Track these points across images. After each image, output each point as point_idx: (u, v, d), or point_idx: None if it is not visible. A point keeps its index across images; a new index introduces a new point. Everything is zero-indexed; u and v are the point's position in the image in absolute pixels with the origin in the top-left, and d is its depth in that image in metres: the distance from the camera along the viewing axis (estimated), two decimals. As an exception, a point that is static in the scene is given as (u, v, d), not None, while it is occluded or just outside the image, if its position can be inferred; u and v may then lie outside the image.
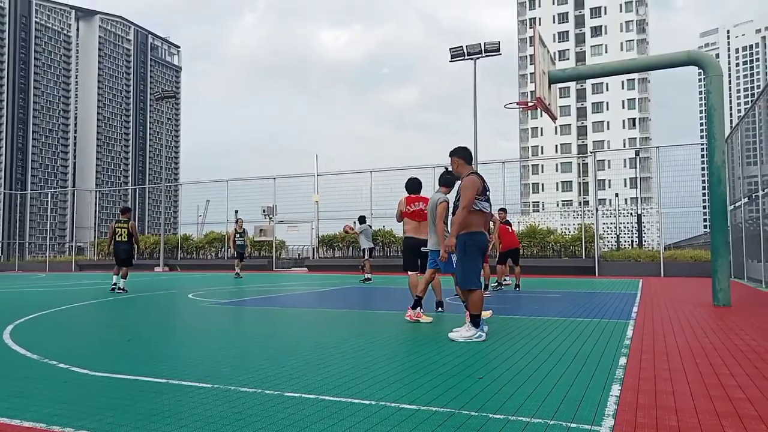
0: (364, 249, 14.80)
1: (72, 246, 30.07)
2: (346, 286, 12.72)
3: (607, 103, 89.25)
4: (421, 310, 6.36)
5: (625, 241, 23.42)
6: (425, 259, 7.16)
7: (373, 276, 15.15)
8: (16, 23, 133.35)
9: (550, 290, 11.01)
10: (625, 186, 50.54)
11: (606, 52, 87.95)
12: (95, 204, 30.29)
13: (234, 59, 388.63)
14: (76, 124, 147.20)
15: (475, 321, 4.92)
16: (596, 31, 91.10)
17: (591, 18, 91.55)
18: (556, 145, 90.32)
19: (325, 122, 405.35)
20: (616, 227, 23.76)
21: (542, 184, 76.77)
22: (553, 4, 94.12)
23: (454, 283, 5.95)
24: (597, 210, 18.94)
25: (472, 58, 20.53)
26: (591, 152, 20.21)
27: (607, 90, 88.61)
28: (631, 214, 24.62)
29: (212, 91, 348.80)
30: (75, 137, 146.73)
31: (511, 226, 11.61)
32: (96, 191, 33.25)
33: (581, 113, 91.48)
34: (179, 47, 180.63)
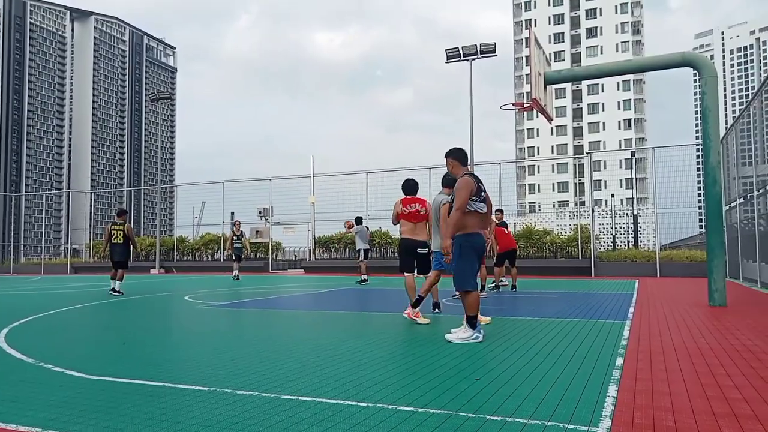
0: (359, 250, 14.82)
1: (67, 248, 29.96)
2: (342, 288, 12.71)
3: (603, 104, 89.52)
4: (419, 311, 6.36)
5: (621, 242, 23.48)
6: (422, 260, 7.17)
7: (370, 277, 15.14)
8: (10, 24, 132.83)
9: (547, 291, 11.03)
10: (621, 186, 50.67)
11: (601, 53, 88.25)
12: (90, 206, 30.16)
13: (229, 61, 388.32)
14: (71, 126, 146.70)
15: (472, 322, 4.92)
16: (592, 32, 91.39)
17: (586, 19, 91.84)
18: (552, 146, 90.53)
19: (320, 124, 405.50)
20: (612, 228, 23.82)
21: (538, 185, 76.82)
22: (549, 5, 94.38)
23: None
24: (593, 210, 19.00)
25: (467, 60, 20.56)
26: (587, 153, 20.27)
27: (603, 91, 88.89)
28: (627, 214, 24.68)
29: (207, 92, 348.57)
30: (70, 138, 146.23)
31: (507, 227, 11.62)
32: (91, 193, 33.11)
33: (577, 114, 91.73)
34: (174, 48, 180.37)
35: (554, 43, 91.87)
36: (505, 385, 3.31)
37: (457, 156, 5.40)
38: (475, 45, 20.39)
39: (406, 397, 3.04)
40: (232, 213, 24.79)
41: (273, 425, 2.58)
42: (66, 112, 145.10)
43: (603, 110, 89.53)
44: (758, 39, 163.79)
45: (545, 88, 8.94)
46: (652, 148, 18.82)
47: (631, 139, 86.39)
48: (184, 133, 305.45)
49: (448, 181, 6.52)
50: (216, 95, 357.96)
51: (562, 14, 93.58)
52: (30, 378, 3.67)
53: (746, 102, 12.25)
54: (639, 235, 22.58)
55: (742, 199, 13.15)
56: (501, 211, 11.82)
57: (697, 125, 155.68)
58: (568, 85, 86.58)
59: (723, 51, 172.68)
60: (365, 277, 14.22)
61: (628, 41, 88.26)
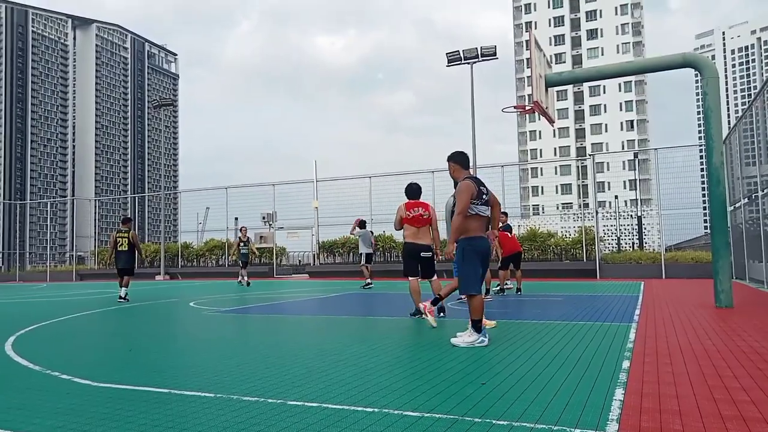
0: (361, 254, 14.84)
1: (72, 255, 30.04)
2: (347, 293, 12.71)
3: (605, 105, 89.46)
4: (433, 309, 6.38)
5: (626, 243, 23.42)
6: (425, 264, 7.17)
7: (375, 281, 15.14)
8: (12, 33, 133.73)
9: (552, 294, 11.00)
10: (625, 188, 50.62)
11: (602, 54, 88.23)
12: (95, 213, 30.29)
13: (230, 66, 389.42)
14: (74, 133, 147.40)
15: (477, 326, 4.92)
16: (592, 34, 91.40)
17: (587, 21, 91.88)
18: (555, 148, 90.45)
19: (322, 127, 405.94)
20: (616, 229, 23.77)
21: (542, 187, 76.80)
22: (549, 7, 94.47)
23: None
24: (597, 212, 18.95)
25: (468, 63, 20.59)
26: (590, 155, 20.23)
27: (605, 92, 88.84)
28: (631, 216, 24.63)
29: (208, 97, 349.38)
30: (73, 146, 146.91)
31: (511, 230, 11.60)
32: (95, 200, 33.24)
33: (579, 116, 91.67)
34: (176, 55, 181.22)
35: (555, 45, 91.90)
36: (511, 389, 3.31)
37: (459, 160, 5.41)
38: (476, 48, 20.41)
39: (411, 402, 3.04)
40: (236, 218, 24.82)
41: (280, 431, 2.58)
42: (69, 120, 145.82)
43: (605, 112, 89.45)
44: (759, 38, 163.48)
45: (546, 90, 8.94)
46: (655, 149, 18.79)
47: (633, 140, 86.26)
48: (187, 139, 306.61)
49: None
50: (217, 100, 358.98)
51: (562, 16, 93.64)
52: (37, 385, 3.68)
53: (749, 101, 12.23)
54: (644, 237, 22.52)
55: (746, 199, 13.11)
56: (505, 214, 11.79)
57: (699, 126, 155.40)
58: (569, 87, 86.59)
59: (724, 51, 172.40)
60: (369, 281, 14.21)
61: (628, 42, 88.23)
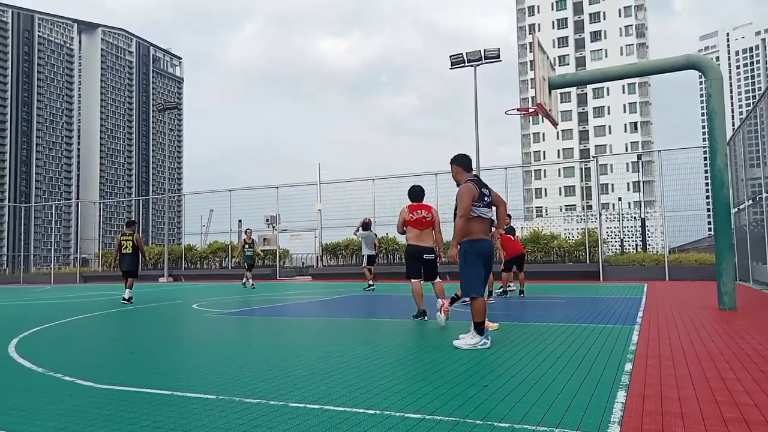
0: (363, 255, 14.86)
1: (76, 258, 30.15)
2: (350, 295, 12.71)
3: (609, 107, 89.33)
4: (449, 308, 6.43)
5: (629, 245, 23.36)
6: (428, 266, 7.17)
7: (378, 284, 15.14)
8: (19, 37, 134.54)
9: (555, 296, 10.98)
10: (628, 190, 50.43)
11: (606, 56, 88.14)
12: (99, 215, 30.37)
13: (233, 69, 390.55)
14: (79, 137, 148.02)
15: (479, 328, 4.91)
16: (596, 36, 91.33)
17: (590, 23, 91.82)
18: (558, 150, 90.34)
19: (325, 130, 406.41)
20: (619, 231, 23.70)
21: (545, 189, 76.77)
22: (552, 9, 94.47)
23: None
24: (600, 214, 18.91)
25: (472, 65, 20.62)
26: (593, 157, 20.21)
27: (608, 94, 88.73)
28: (635, 217, 24.56)
29: (212, 100, 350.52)
30: (78, 149, 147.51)
31: (515, 232, 11.58)
32: (100, 203, 33.35)
33: (583, 118, 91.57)
34: (181, 58, 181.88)
35: (558, 47, 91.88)
36: (513, 391, 3.30)
37: (461, 162, 5.42)
38: (479, 51, 20.44)
39: (413, 404, 3.04)
40: (240, 221, 24.88)
41: (281, 433, 2.59)
42: (74, 123, 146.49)
43: (609, 113, 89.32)
44: (764, 40, 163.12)
45: (550, 92, 8.94)
46: (659, 151, 18.74)
47: (637, 142, 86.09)
48: (191, 142, 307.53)
49: None
50: (221, 103, 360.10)
51: (566, 18, 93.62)
52: (40, 387, 3.70)
53: (753, 103, 12.19)
54: (647, 239, 22.46)
55: (750, 201, 13.06)
56: (509, 216, 11.77)
57: (703, 127, 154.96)
58: (573, 89, 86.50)
59: (728, 52, 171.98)
60: (371, 282, 14.20)
61: (632, 44, 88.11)
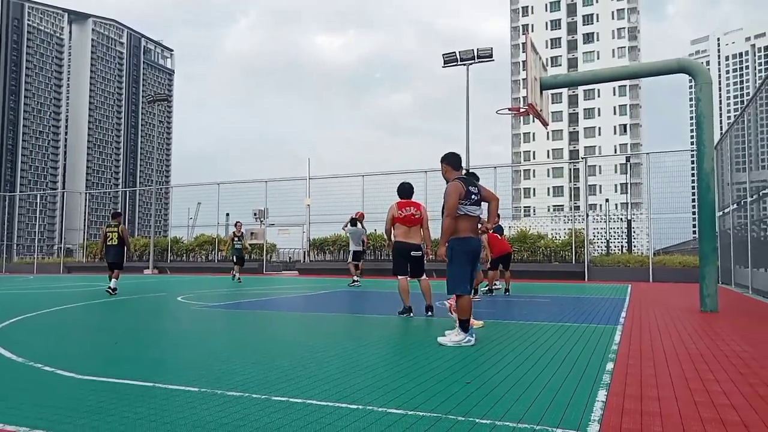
0: (350, 251, 14.88)
1: (61, 248, 29.86)
2: (336, 290, 12.70)
3: (599, 109, 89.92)
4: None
5: (615, 247, 23.57)
6: (415, 263, 7.19)
7: (364, 280, 15.14)
8: (8, 26, 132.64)
9: (540, 295, 11.05)
10: (616, 191, 50.85)
11: (598, 58, 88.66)
12: (85, 206, 30.08)
13: (227, 63, 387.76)
14: (67, 127, 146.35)
15: (464, 326, 4.93)
16: (588, 37, 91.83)
17: (583, 25, 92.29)
18: (548, 150, 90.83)
19: (318, 126, 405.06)
20: (606, 232, 23.92)
21: (534, 189, 77.17)
22: (546, 11, 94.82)
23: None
24: (587, 215, 19.05)
25: (464, 64, 20.65)
26: (582, 158, 20.36)
27: (599, 96, 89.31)
28: (621, 219, 24.80)
29: (205, 94, 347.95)
30: (66, 139, 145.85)
31: (502, 231, 11.64)
32: (86, 193, 33.02)
33: (573, 119, 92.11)
34: (172, 51, 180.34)
35: (551, 48, 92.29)
36: (496, 388, 3.32)
37: (450, 161, 5.43)
38: (473, 50, 20.48)
39: (396, 400, 3.05)
40: (227, 214, 24.77)
41: (263, 426, 2.58)
42: (62, 113, 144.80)
43: (599, 115, 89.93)
44: (753, 45, 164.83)
45: (541, 93, 8.98)
46: (647, 153, 18.92)
47: (626, 144, 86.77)
48: (181, 135, 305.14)
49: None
50: (213, 97, 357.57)
51: (559, 20, 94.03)
52: (19, 377, 3.66)
53: (741, 108, 12.33)
54: (633, 240, 22.67)
55: (735, 205, 13.22)
56: (498, 215, 11.81)
57: (692, 131, 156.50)
58: (564, 90, 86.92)
59: (719, 57, 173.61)
60: (356, 278, 14.18)
61: (624, 47, 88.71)
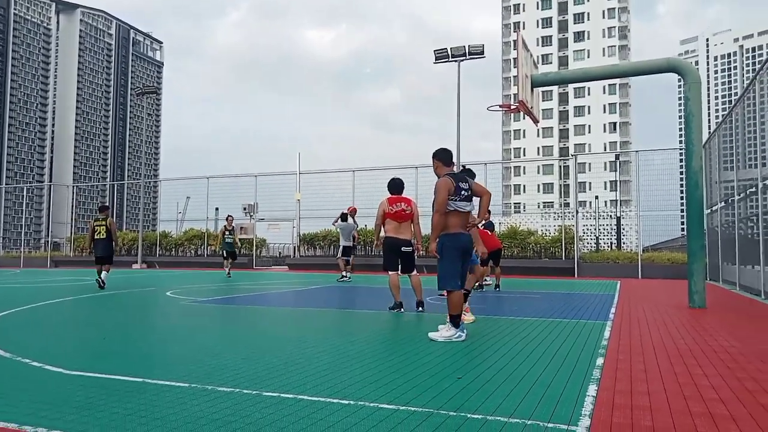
0: (340, 246, 14.87)
1: (48, 241, 29.55)
2: (326, 286, 12.69)
3: (589, 107, 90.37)
4: (468, 306, 6.42)
5: (605, 243, 23.71)
6: (406, 258, 7.19)
7: (355, 275, 15.13)
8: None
9: (530, 291, 11.11)
10: (605, 189, 51.17)
11: (588, 57, 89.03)
12: (72, 199, 29.75)
13: (216, 56, 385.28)
14: (54, 118, 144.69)
15: (455, 321, 4.94)
16: (579, 36, 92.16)
17: (574, 23, 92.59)
18: (538, 148, 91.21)
19: (308, 121, 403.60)
20: (595, 229, 24.06)
21: (524, 186, 77.43)
22: (537, 9, 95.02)
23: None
24: (577, 212, 19.16)
25: (455, 60, 20.63)
26: (572, 155, 20.46)
27: (589, 94, 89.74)
28: (611, 216, 24.95)
29: (194, 88, 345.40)
30: (53, 131, 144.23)
31: (493, 227, 11.66)
32: (73, 186, 32.66)
33: (563, 116, 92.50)
34: (162, 43, 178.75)
35: (542, 46, 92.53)
36: (487, 383, 3.33)
37: (441, 157, 5.43)
38: (464, 46, 20.46)
39: (387, 395, 3.04)
40: (217, 209, 24.63)
41: (254, 422, 2.57)
42: (49, 105, 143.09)
43: (589, 113, 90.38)
44: (741, 46, 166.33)
45: (532, 90, 9.00)
46: (636, 151, 19.06)
47: (616, 142, 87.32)
48: (170, 128, 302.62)
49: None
50: (203, 91, 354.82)
51: (551, 18, 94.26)
52: (6, 373, 3.61)
53: (729, 107, 12.44)
54: (622, 237, 22.84)
55: (723, 203, 13.35)
56: (489, 211, 11.84)
57: (680, 129, 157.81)
58: (554, 88, 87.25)
59: (707, 57, 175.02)
60: (344, 274, 14.16)
61: (614, 46, 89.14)
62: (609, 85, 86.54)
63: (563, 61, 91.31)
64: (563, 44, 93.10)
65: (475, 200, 5.37)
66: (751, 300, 9.38)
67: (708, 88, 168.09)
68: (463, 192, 5.10)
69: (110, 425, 2.52)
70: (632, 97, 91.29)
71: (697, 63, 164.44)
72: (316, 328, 5.90)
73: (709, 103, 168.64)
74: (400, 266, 7.17)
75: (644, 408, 2.85)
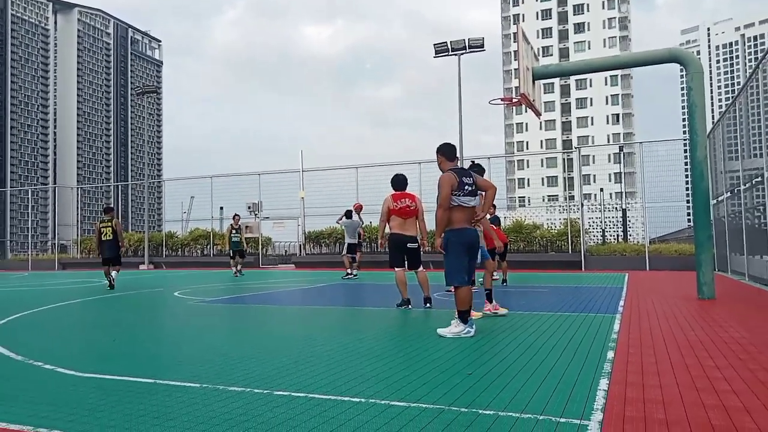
0: (345, 243, 14.86)
1: (54, 244, 29.65)
2: (334, 283, 12.69)
3: (591, 98, 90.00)
4: (497, 303, 6.44)
5: (611, 236, 23.66)
6: (411, 255, 7.17)
7: (361, 272, 15.12)
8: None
9: (537, 285, 11.09)
10: (610, 181, 50.88)
11: (589, 48, 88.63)
12: (77, 201, 29.83)
13: (215, 54, 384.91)
14: (55, 120, 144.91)
15: (463, 317, 4.94)
16: (579, 27, 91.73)
17: (574, 15, 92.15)
18: (541, 141, 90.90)
19: (309, 118, 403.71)
20: (601, 222, 24.00)
21: (528, 179, 77.25)
22: (537, 0, 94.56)
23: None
24: (582, 205, 19.10)
25: (456, 54, 20.55)
26: (576, 148, 20.40)
27: (591, 86, 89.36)
28: (616, 208, 24.88)
29: (194, 86, 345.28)
30: (55, 132, 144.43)
31: (499, 222, 11.64)
32: (78, 188, 32.75)
33: (565, 109, 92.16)
34: (160, 41, 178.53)
35: (542, 38, 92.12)
36: (497, 379, 3.33)
37: (445, 151, 5.41)
38: (464, 39, 20.36)
39: (398, 392, 3.04)
40: (221, 208, 24.63)
41: (265, 421, 2.57)
42: (50, 106, 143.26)
43: (591, 105, 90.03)
44: (743, 35, 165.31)
45: (533, 83, 8.95)
46: (640, 142, 18.95)
47: (619, 133, 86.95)
48: (171, 128, 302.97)
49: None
50: (202, 89, 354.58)
51: (550, 9, 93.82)
52: (18, 376, 3.63)
53: (732, 97, 12.37)
54: (628, 229, 22.77)
55: (729, 193, 13.29)
56: (494, 206, 11.80)
57: (684, 120, 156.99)
58: (556, 80, 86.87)
59: (709, 47, 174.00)
60: (349, 271, 14.15)
61: (615, 37, 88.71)
62: (611, 76, 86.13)
63: (564, 53, 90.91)
64: (563, 36, 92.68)
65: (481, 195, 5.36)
66: (760, 290, 9.34)
67: (710, 78, 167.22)
68: (467, 187, 5.09)
69: (125, 427, 2.53)
70: (634, 88, 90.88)
71: (698, 53, 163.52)
72: (324, 327, 5.91)
73: (711, 92, 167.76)
74: (406, 263, 7.16)
75: (656, 401, 2.84)
